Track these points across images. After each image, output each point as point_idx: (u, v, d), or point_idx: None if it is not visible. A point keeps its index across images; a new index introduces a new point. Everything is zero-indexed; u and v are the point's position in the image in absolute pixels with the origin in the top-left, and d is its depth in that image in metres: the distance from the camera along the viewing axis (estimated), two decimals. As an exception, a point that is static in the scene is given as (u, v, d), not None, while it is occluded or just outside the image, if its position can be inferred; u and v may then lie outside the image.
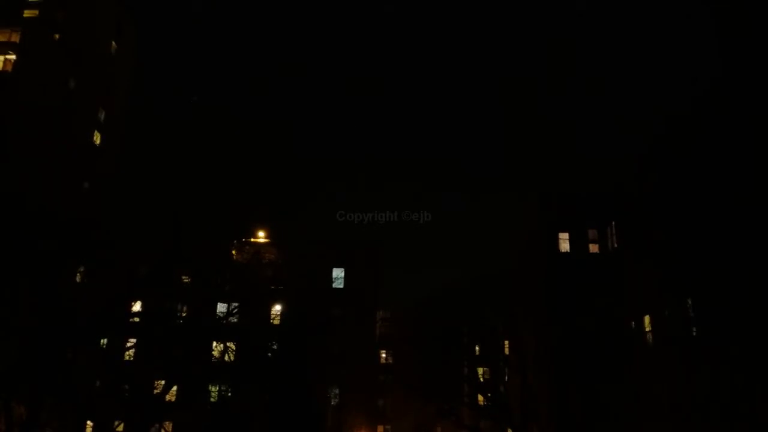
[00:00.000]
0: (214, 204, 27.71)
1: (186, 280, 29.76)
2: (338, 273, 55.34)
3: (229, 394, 38.39)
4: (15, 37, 51.99)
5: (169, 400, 32.86)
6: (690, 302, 33.54)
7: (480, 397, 54.11)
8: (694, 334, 33.10)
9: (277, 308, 36.70)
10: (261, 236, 31.10)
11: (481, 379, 54.96)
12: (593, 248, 46.11)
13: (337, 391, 50.79)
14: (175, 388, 33.00)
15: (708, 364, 30.85)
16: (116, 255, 27.16)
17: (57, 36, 55.43)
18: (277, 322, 37.32)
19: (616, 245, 43.87)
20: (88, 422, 31.40)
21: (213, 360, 32.88)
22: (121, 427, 30.77)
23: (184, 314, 29.45)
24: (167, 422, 37.30)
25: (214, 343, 31.67)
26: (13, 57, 51.58)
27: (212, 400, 38.57)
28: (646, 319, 38.48)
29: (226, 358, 30.96)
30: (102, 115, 61.21)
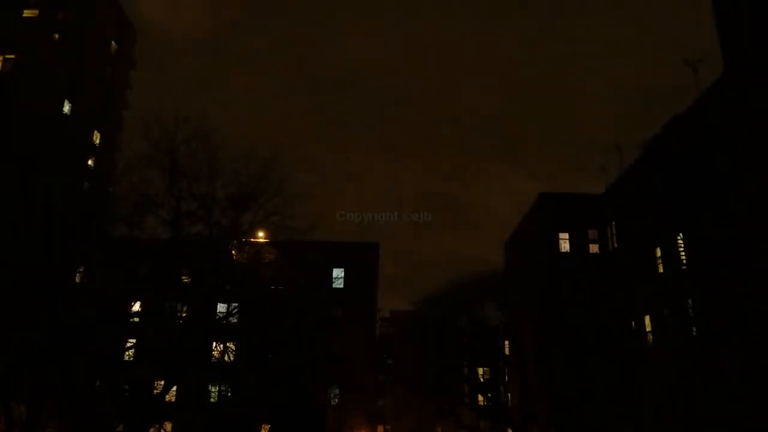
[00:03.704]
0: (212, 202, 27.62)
1: (186, 281, 29.67)
2: (338, 273, 55.31)
3: (229, 394, 38.34)
4: (15, 37, 51.93)
5: (169, 400, 32.79)
6: (690, 302, 33.55)
7: (480, 397, 54.09)
8: (694, 334, 33.10)
9: (277, 308, 36.61)
10: (261, 236, 30.95)
11: (481, 379, 54.94)
12: (593, 248, 46.10)
13: (337, 391, 50.71)
14: (175, 388, 32.94)
15: (708, 364, 30.83)
16: (116, 255, 27.12)
17: (57, 36, 55.37)
18: (277, 322, 37.22)
19: (616, 245, 43.85)
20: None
21: (213, 360, 32.83)
22: (120, 428, 30.70)
23: (184, 314, 29.36)
24: (167, 422, 37.24)
25: (214, 343, 31.60)
26: (12, 57, 51.50)
27: (212, 400, 38.54)
28: (646, 319, 38.48)
29: (226, 358, 30.90)
30: (102, 115, 61.15)
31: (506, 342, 55.17)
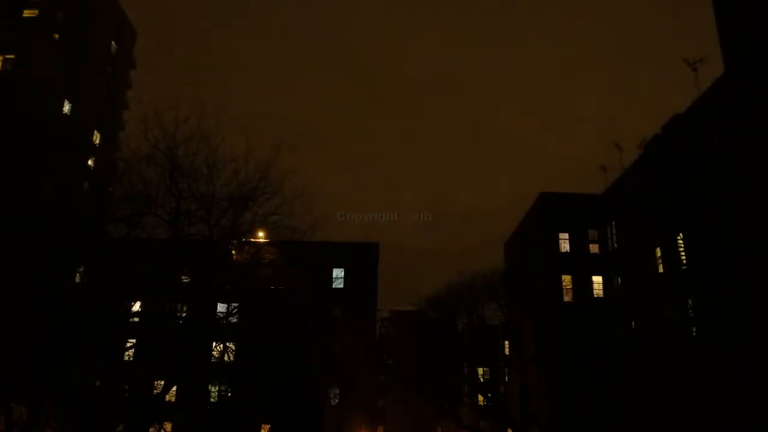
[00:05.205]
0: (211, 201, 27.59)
1: (186, 280, 29.64)
2: (338, 273, 55.35)
3: (229, 394, 38.31)
4: (15, 37, 51.92)
5: (169, 400, 32.75)
6: (690, 302, 33.56)
7: (480, 397, 54.11)
8: (694, 334, 33.11)
9: (277, 308, 36.66)
10: (261, 236, 30.91)
11: (481, 379, 54.97)
12: (593, 248, 46.13)
13: (337, 391, 50.72)
14: (175, 388, 32.91)
15: (708, 364, 30.84)
16: (116, 255, 27.09)
17: (57, 36, 55.40)
18: (277, 322, 37.26)
19: (616, 245, 43.87)
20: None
21: (213, 360, 32.81)
22: (120, 428, 30.72)
23: (184, 314, 29.33)
24: (167, 422, 37.23)
25: (214, 343, 31.59)
26: (12, 57, 51.50)
27: (212, 400, 38.51)
28: (647, 318, 38.50)
29: (226, 358, 30.87)
30: (102, 115, 61.20)
31: (506, 342, 55.17)
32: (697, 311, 32.77)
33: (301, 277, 33.12)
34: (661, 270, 36.68)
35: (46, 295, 24.03)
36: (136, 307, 29.07)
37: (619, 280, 43.15)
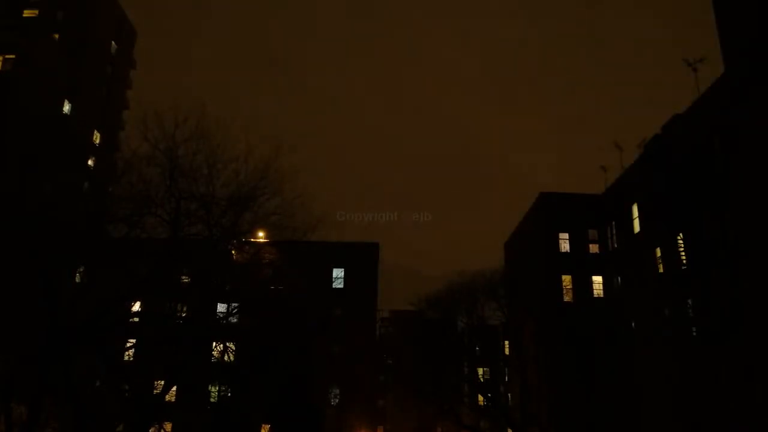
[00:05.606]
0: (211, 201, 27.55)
1: (186, 280, 29.63)
2: (338, 273, 55.34)
3: (229, 394, 38.32)
4: (15, 37, 51.89)
5: (169, 400, 32.75)
6: (690, 302, 33.56)
7: (480, 397, 54.13)
8: (694, 334, 33.11)
9: (277, 308, 36.65)
10: (261, 236, 30.89)
11: (481, 379, 54.99)
12: (593, 248, 46.13)
13: (337, 391, 50.73)
14: (175, 388, 32.91)
15: (708, 364, 30.84)
16: (116, 255, 27.07)
17: (57, 36, 55.38)
18: (277, 322, 37.25)
19: (616, 245, 43.86)
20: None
21: (213, 360, 32.81)
22: (120, 428, 30.70)
23: (184, 314, 29.31)
24: (167, 422, 37.22)
25: (214, 343, 31.58)
26: (12, 57, 51.47)
27: (212, 400, 38.53)
28: (647, 318, 38.50)
29: (226, 358, 30.87)
30: (102, 115, 61.20)
31: (506, 342, 55.18)
32: (697, 311, 32.75)
33: (301, 277, 33.11)
34: (661, 270, 36.67)
35: (46, 295, 24.02)
36: (136, 307, 29.06)
37: (619, 280, 43.13)
